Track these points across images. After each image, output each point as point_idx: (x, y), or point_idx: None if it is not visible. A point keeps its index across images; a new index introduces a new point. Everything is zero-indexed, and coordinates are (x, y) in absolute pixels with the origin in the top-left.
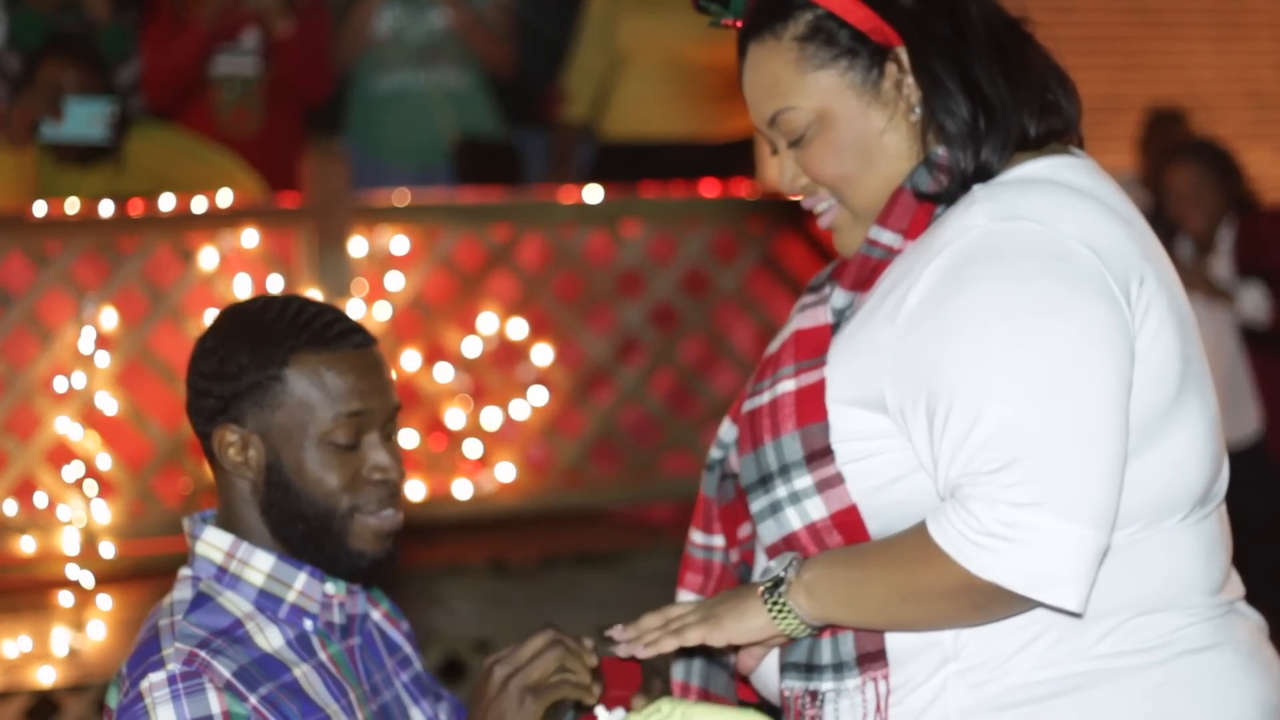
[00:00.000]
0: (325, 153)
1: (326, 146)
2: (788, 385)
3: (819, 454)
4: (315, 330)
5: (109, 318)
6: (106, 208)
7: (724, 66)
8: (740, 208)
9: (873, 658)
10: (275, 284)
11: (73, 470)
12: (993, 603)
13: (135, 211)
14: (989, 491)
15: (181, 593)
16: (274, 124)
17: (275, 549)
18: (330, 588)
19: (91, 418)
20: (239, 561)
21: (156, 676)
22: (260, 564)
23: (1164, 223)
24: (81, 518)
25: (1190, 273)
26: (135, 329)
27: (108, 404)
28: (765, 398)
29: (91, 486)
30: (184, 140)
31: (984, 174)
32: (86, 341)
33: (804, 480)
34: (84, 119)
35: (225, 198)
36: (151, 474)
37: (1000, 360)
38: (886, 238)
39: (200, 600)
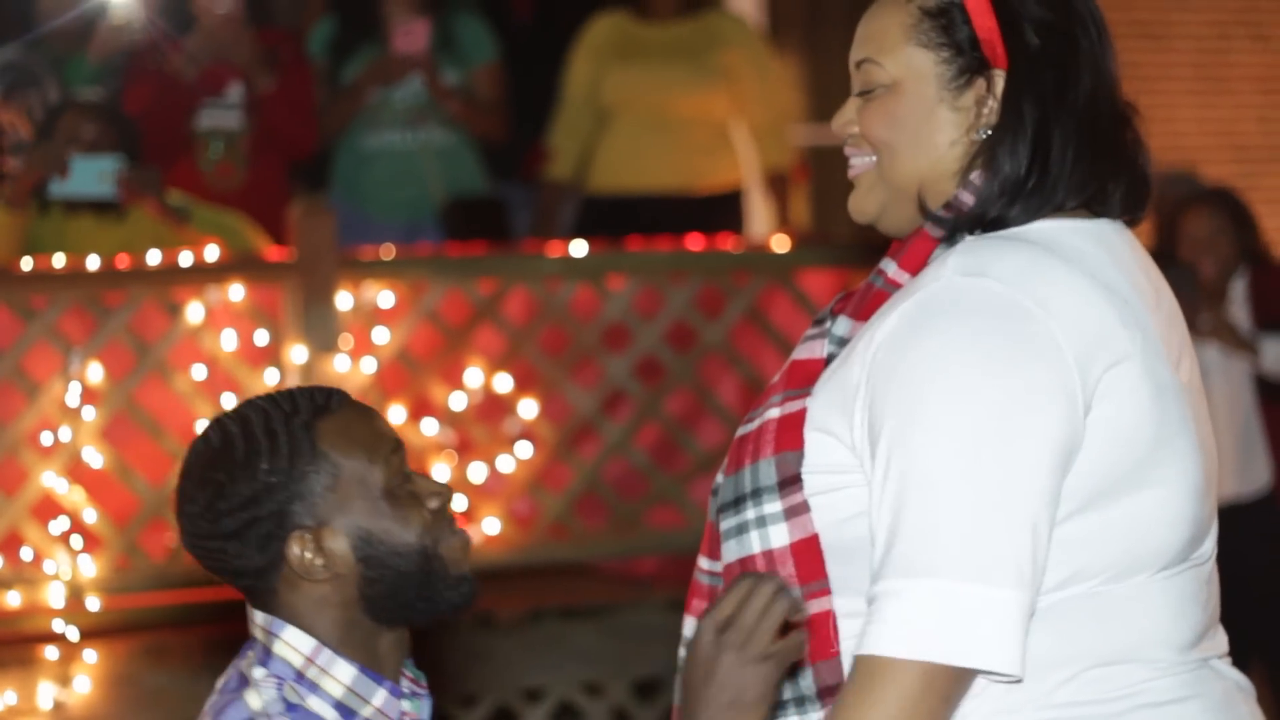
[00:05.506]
0: (311, 207)
1: (313, 201)
2: (774, 412)
3: (790, 481)
4: (310, 405)
5: (95, 372)
6: (93, 261)
7: (709, 119)
8: (726, 261)
9: (833, 691)
10: (261, 338)
11: (58, 524)
12: (948, 689)
13: (122, 265)
14: (899, 563)
15: (269, 694)
16: (259, 178)
17: (355, 659)
18: (407, 705)
19: (77, 472)
20: (318, 669)
21: None
22: (341, 675)
23: (1177, 270)
24: (67, 572)
25: (1211, 321)
26: (121, 383)
27: (94, 458)
28: (755, 424)
29: (77, 540)
30: (196, 205)
31: (997, 225)
32: (73, 395)
33: (774, 505)
34: (92, 176)
35: (211, 252)
36: (137, 528)
37: (930, 417)
38: (892, 270)
39: (291, 707)
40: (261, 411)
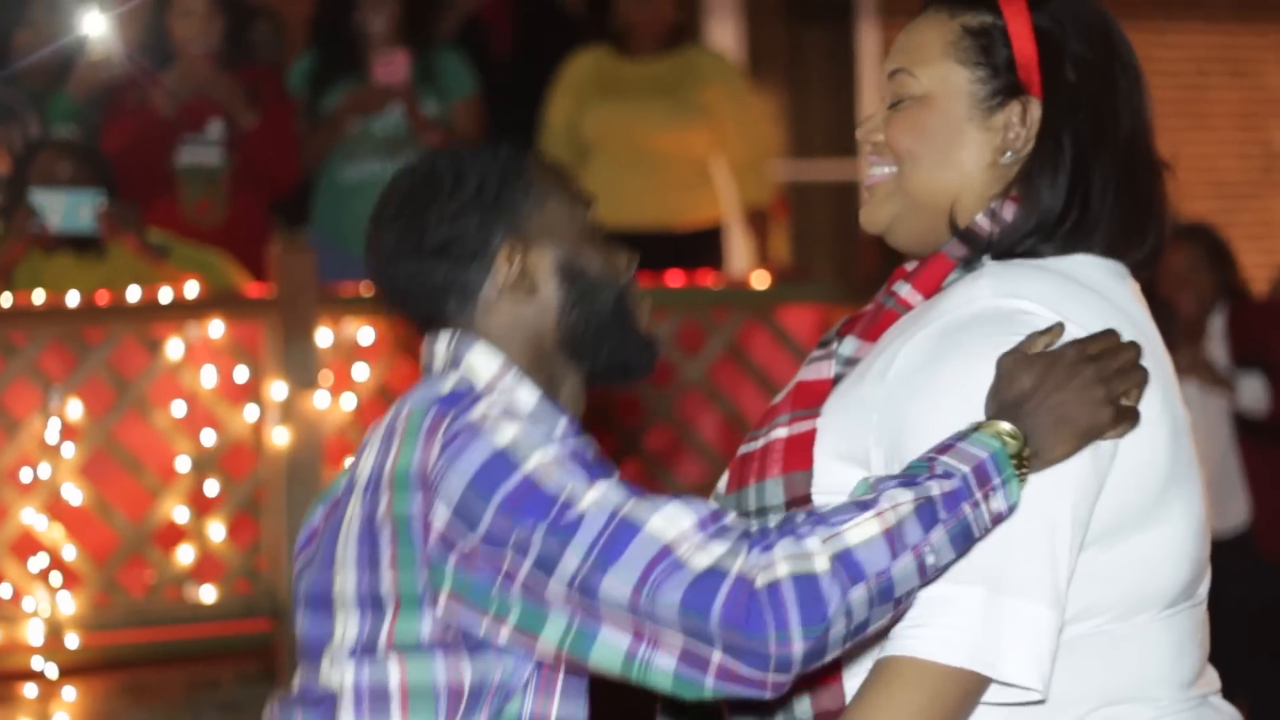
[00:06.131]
0: (291, 243)
1: (292, 237)
2: (781, 432)
3: (798, 501)
4: (513, 147)
5: (75, 408)
6: (73, 298)
7: (689, 155)
8: (706, 298)
9: (831, 715)
10: (241, 374)
11: (38, 561)
12: (975, 699)
13: (101, 302)
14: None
15: (464, 386)
16: (239, 214)
17: (539, 384)
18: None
19: (57, 508)
20: (504, 388)
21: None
22: (525, 397)
23: (1156, 306)
24: (46, 609)
25: (1189, 358)
26: (101, 420)
27: (73, 495)
28: (759, 443)
29: (56, 577)
30: (175, 243)
31: (1024, 256)
32: (52, 432)
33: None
34: (73, 211)
35: (191, 288)
36: (116, 565)
37: None
38: (905, 291)
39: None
40: (464, 147)
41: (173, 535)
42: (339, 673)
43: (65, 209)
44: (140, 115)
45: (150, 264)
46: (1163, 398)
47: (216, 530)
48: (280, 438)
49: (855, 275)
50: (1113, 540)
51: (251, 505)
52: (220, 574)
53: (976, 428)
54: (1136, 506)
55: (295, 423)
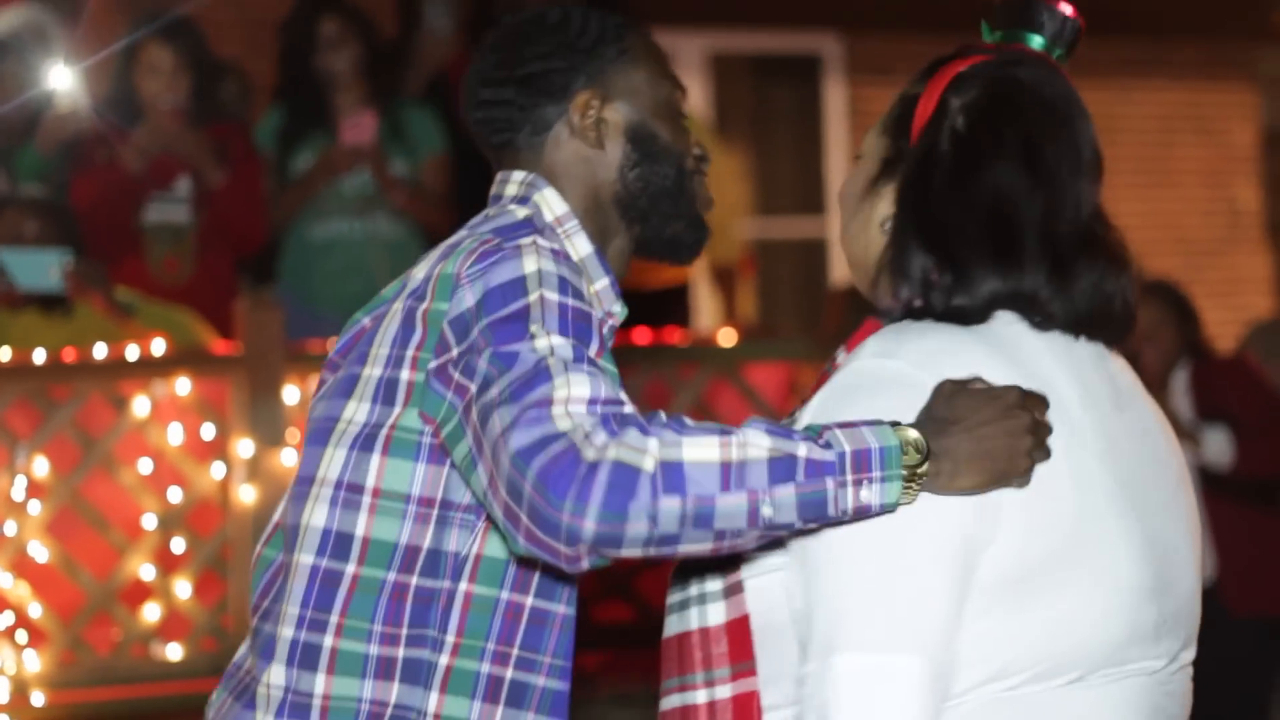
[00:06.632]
0: (258, 301)
1: (260, 295)
2: None
3: (729, 560)
4: (620, 18)
5: (41, 466)
6: (39, 355)
7: None
8: (673, 355)
9: None
10: (208, 432)
11: (3, 619)
12: None
13: (68, 359)
14: (815, 645)
15: (528, 219)
16: (206, 272)
17: (591, 235)
18: (618, 308)
19: (22, 566)
20: (565, 233)
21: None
22: (580, 246)
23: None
24: (12, 667)
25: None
26: (67, 477)
27: (39, 552)
28: None
29: (22, 635)
30: (142, 301)
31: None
32: (18, 490)
33: (715, 583)
34: (40, 270)
35: (158, 346)
36: (82, 623)
37: None
38: (841, 356)
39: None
40: (575, 5)
41: (139, 593)
42: (333, 461)
43: (31, 268)
44: (107, 172)
45: (117, 322)
46: (1065, 453)
47: (183, 588)
48: (247, 495)
49: (822, 333)
50: (1019, 599)
51: (218, 563)
52: (186, 632)
53: (891, 423)
54: (1039, 563)
55: (262, 480)
